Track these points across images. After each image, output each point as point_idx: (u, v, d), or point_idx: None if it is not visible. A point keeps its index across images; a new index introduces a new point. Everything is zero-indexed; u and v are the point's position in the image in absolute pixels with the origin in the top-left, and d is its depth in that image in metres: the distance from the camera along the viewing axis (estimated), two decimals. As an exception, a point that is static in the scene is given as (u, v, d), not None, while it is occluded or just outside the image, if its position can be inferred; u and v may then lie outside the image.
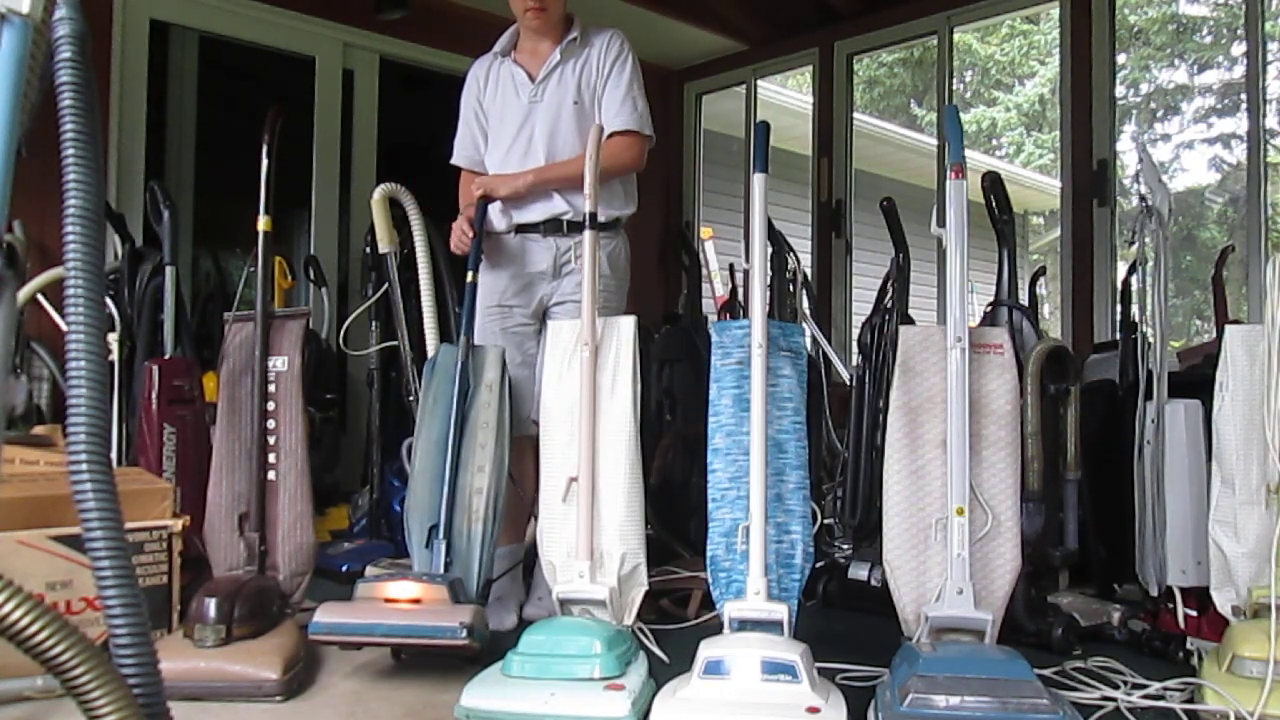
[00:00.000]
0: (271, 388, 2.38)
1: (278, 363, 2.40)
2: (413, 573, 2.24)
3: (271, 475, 2.36)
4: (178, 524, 2.25)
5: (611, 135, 2.69)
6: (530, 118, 2.75)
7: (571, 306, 2.73)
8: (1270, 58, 4.59)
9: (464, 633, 2.00)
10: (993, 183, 2.72)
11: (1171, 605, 2.30)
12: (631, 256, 2.87)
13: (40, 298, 3.34)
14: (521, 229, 2.77)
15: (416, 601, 2.12)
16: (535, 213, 2.74)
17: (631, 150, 2.72)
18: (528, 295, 2.78)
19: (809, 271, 4.91)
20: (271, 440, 2.37)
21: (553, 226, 2.74)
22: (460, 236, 2.71)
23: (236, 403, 2.39)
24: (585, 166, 2.36)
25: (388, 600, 2.13)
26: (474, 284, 2.61)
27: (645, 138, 2.76)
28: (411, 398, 3.06)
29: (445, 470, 2.40)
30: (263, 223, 2.43)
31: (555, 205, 2.73)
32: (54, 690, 1.81)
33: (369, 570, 3.12)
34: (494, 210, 2.78)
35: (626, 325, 2.30)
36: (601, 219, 2.73)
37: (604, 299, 2.73)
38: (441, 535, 2.37)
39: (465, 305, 2.58)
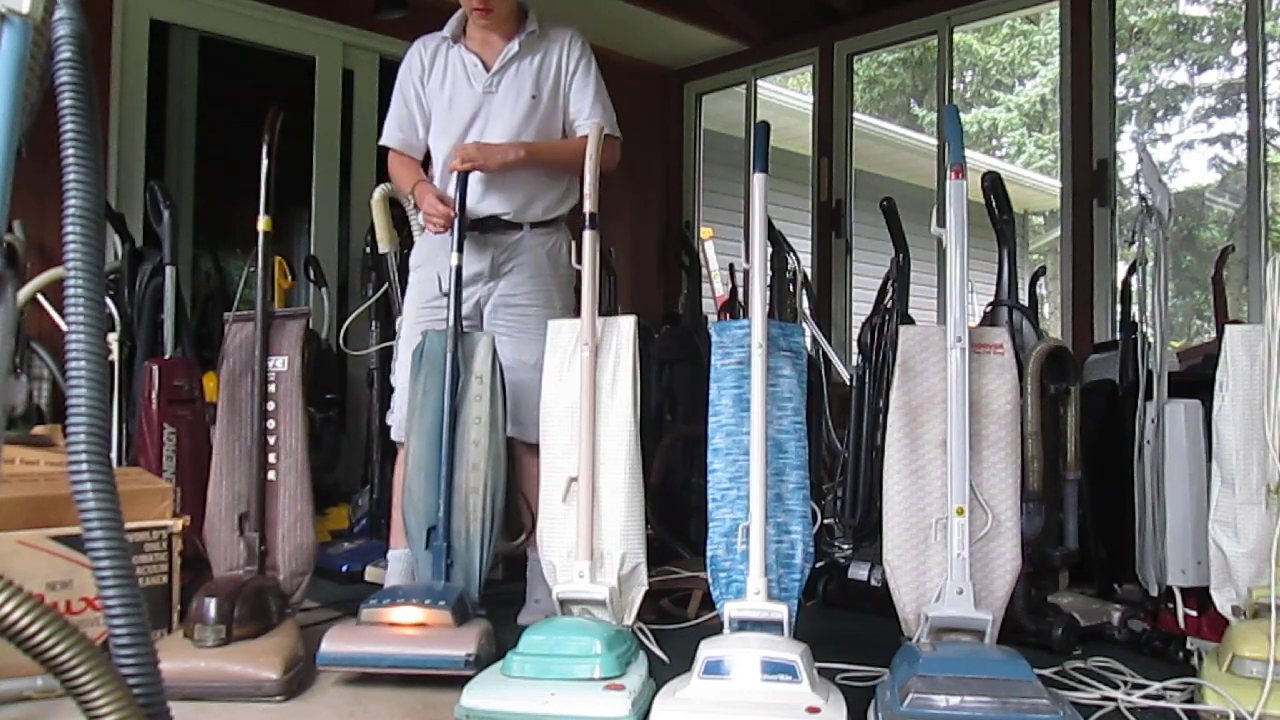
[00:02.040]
0: (271, 388, 2.38)
1: (278, 363, 2.40)
2: (416, 592, 2.22)
3: (271, 475, 2.36)
4: (178, 524, 2.25)
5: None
6: (484, 108, 2.70)
7: (514, 311, 2.67)
8: (1270, 58, 4.59)
9: (468, 664, 2.00)
10: (993, 183, 2.72)
11: (1171, 605, 2.30)
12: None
13: (40, 298, 3.34)
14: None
15: (422, 625, 2.12)
16: (476, 209, 2.64)
17: (608, 152, 2.65)
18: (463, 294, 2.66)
19: (809, 271, 4.91)
20: (271, 440, 2.37)
21: (490, 225, 2.67)
22: (442, 215, 2.56)
23: (236, 403, 2.39)
24: (586, 166, 2.36)
25: (393, 625, 2.13)
26: (459, 266, 2.50)
27: (617, 139, 2.74)
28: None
29: (439, 467, 2.39)
30: (263, 223, 2.42)
31: (493, 204, 2.66)
32: (54, 690, 1.81)
33: (369, 570, 3.13)
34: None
35: (626, 325, 2.30)
36: (544, 217, 2.72)
37: (545, 298, 2.70)
38: (441, 538, 2.37)
39: (451, 290, 2.49)
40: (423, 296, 2.70)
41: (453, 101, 2.72)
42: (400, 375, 2.73)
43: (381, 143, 2.84)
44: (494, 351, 2.48)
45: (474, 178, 2.61)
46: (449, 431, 2.41)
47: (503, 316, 2.68)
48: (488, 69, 2.71)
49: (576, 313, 2.51)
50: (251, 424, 2.36)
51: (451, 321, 2.47)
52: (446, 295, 2.52)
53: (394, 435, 2.76)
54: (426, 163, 2.84)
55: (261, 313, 2.38)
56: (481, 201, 2.65)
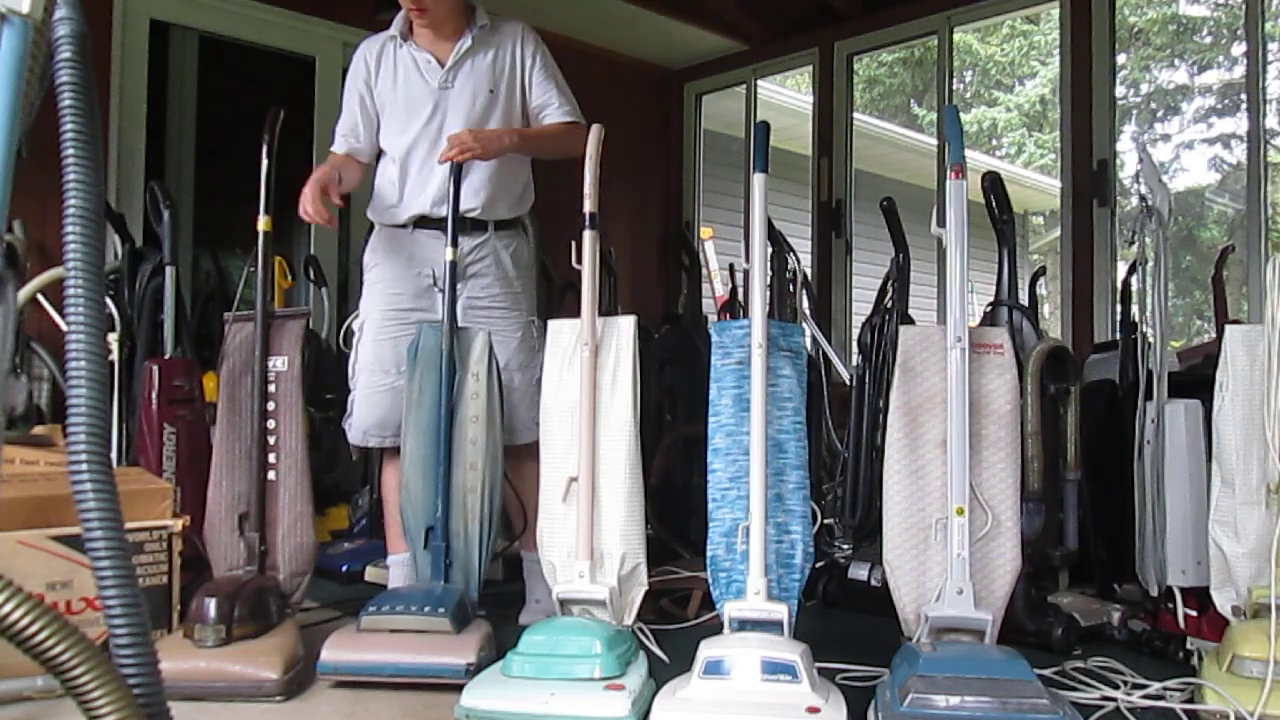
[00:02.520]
0: (271, 388, 2.38)
1: (278, 363, 2.40)
2: (416, 598, 2.22)
3: (271, 475, 2.36)
4: (178, 524, 2.25)
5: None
6: (441, 104, 2.65)
7: (482, 314, 2.63)
8: (1270, 58, 4.59)
9: (469, 673, 1.99)
10: (993, 183, 2.72)
11: (1171, 605, 2.30)
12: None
13: (40, 298, 3.34)
14: (420, 224, 2.65)
15: (422, 632, 2.12)
16: (439, 206, 2.58)
17: (578, 138, 2.56)
18: (429, 298, 2.63)
19: (809, 271, 4.91)
20: (271, 440, 2.37)
21: (456, 223, 2.57)
22: (313, 206, 2.45)
23: (236, 403, 2.39)
24: (586, 166, 2.35)
25: (393, 632, 2.12)
26: (454, 262, 2.49)
27: (584, 126, 2.68)
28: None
29: (437, 465, 2.39)
30: (263, 223, 2.43)
31: (460, 200, 2.58)
32: (54, 690, 1.81)
33: (369, 571, 3.13)
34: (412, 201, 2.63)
35: (626, 325, 2.30)
36: (508, 215, 2.71)
37: (511, 300, 2.69)
38: (440, 537, 2.37)
39: (446, 285, 2.48)
40: (388, 298, 2.65)
41: (408, 99, 2.68)
42: (362, 379, 2.66)
43: (333, 150, 2.76)
44: (490, 349, 2.48)
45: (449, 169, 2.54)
46: (447, 428, 2.41)
47: (469, 320, 2.61)
48: (441, 64, 2.68)
49: (544, 314, 2.54)
50: (251, 424, 2.36)
51: (446, 318, 2.46)
52: (442, 291, 2.52)
53: (351, 438, 2.70)
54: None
55: (261, 313, 2.38)
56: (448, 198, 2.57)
